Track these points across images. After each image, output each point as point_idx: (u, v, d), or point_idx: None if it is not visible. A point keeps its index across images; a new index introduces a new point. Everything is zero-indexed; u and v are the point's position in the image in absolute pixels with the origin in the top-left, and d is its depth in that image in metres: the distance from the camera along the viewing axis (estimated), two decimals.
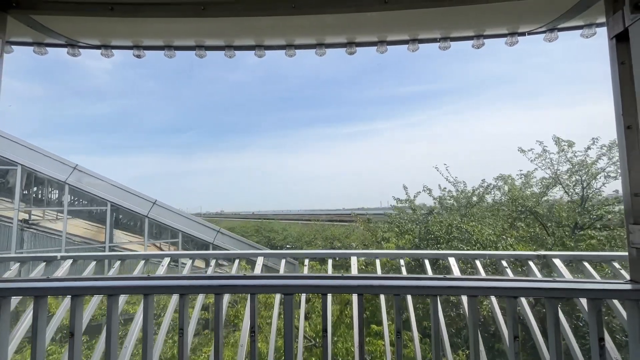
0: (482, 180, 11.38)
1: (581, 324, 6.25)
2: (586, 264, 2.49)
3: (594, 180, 9.26)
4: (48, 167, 11.77)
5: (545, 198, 9.94)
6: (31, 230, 12.18)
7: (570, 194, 9.60)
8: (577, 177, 9.47)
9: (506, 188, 10.70)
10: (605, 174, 9.19)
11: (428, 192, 11.96)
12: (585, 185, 9.28)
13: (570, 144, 9.74)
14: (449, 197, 11.72)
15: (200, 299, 2.61)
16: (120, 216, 15.10)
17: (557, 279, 1.65)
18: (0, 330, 1.40)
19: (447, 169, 11.77)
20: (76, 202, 14.38)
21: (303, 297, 3.25)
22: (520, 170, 10.90)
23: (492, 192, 11.16)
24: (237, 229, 34.17)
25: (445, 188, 11.85)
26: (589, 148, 9.50)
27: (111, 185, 12.68)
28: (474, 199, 11.18)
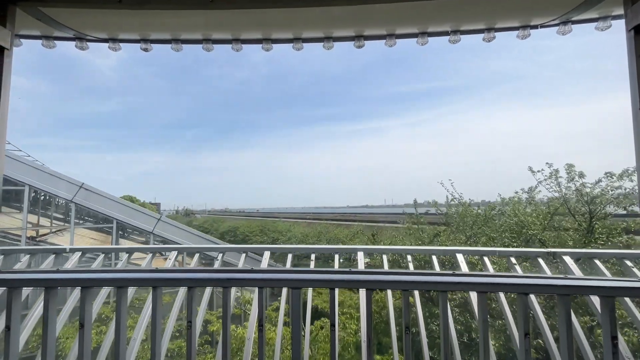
0: (488, 202, 11.29)
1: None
2: (597, 261, 2.45)
3: (602, 211, 9.04)
4: (55, 186, 12.03)
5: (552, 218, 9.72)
6: (39, 247, 12.49)
7: (579, 220, 9.34)
8: (586, 207, 9.23)
9: (511, 211, 10.32)
10: (616, 202, 8.93)
11: (434, 204, 12.15)
12: (592, 215, 9.03)
13: (582, 175, 9.53)
14: (455, 214, 11.55)
15: (207, 293, 2.62)
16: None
17: (569, 276, 1.63)
18: (12, 319, 1.42)
19: (452, 185, 11.84)
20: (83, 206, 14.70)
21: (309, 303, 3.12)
22: (526, 188, 10.78)
23: (498, 216, 10.86)
24: (242, 229, 34.13)
25: (452, 200, 11.81)
26: (599, 181, 9.31)
27: (117, 203, 13.02)
28: (479, 210, 11.06)
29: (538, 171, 10.36)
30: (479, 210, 11.06)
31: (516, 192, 11.11)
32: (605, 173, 9.27)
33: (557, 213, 9.63)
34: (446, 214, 11.75)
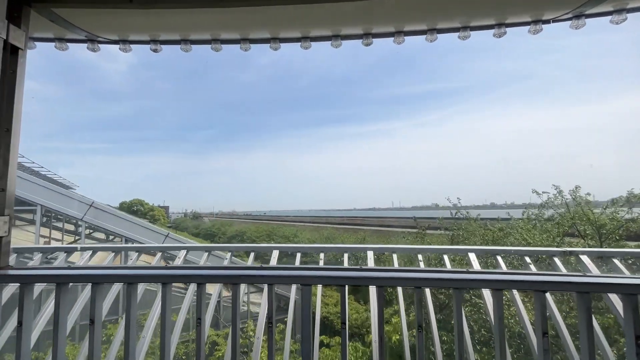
0: (497, 219, 11.18)
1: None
2: (616, 260, 2.37)
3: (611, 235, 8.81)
4: (66, 205, 12.40)
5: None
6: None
7: (590, 244, 9.04)
8: (595, 230, 8.99)
9: (518, 235, 9.97)
10: (625, 224, 8.69)
11: (440, 219, 12.22)
12: (602, 240, 8.78)
13: (587, 201, 9.41)
14: (461, 230, 11.43)
15: (216, 290, 2.61)
16: None
17: (588, 274, 1.57)
18: (24, 315, 1.42)
19: (459, 200, 11.96)
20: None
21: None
22: (534, 197, 10.68)
23: (506, 236, 10.57)
24: (249, 233, 34.23)
25: (457, 213, 11.81)
26: (606, 207, 9.21)
27: (125, 221, 13.39)
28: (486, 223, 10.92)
29: (544, 192, 10.37)
30: (486, 222, 10.97)
31: (525, 210, 11.03)
32: (612, 199, 9.22)
33: (567, 234, 9.45)
34: (452, 232, 11.68)
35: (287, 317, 2.59)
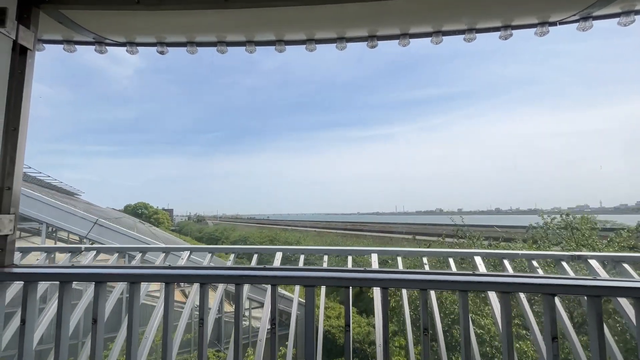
0: (499, 241, 11.21)
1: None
2: (626, 265, 2.32)
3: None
4: (71, 223, 12.60)
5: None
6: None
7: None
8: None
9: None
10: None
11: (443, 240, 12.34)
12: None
13: (594, 227, 9.32)
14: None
15: (219, 290, 2.60)
16: None
17: (598, 277, 1.54)
18: (28, 313, 1.42)
19: (462, 219, 12.21)
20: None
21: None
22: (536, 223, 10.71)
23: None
24: (252, 238, 34.27)
25: (459, 230, 11.92)
26: (614, 237, 9.05)
27: (129, 238, 13.58)
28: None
29: (546, 214, 10.45)
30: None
31: (531, 224, 11.08)
32: (623, 228, 9.12)
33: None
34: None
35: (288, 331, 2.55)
